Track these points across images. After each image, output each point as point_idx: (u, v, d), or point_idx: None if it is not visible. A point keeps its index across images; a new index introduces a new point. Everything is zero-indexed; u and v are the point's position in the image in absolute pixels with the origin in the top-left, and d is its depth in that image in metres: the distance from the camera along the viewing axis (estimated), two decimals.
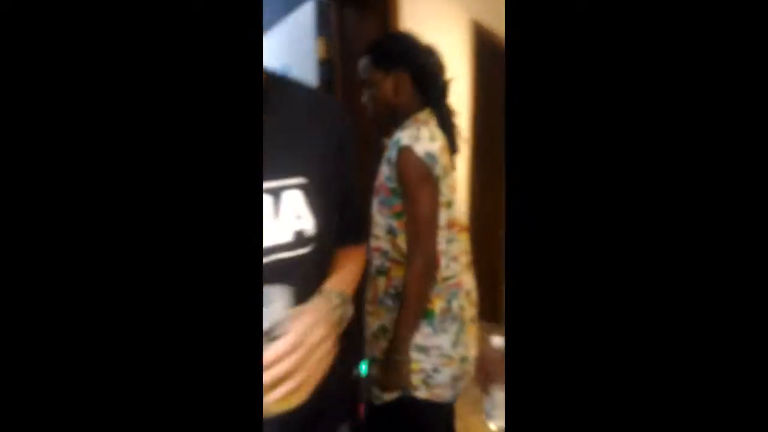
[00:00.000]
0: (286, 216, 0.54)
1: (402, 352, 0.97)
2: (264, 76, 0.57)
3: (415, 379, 1.01)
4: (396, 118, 1.06)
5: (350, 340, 0.67)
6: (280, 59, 1.82)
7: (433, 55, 1.07)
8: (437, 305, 1.01)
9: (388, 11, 1.57)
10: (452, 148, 1.09)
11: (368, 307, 1.06)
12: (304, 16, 1.64)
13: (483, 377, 0.88)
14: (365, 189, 1.27)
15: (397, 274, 1.01)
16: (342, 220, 0.65)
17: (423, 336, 1.00)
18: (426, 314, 1.00)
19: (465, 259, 1.10)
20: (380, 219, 1.01)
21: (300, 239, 0.55)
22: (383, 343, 1.02)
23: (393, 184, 0.98)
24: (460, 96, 1.86)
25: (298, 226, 0.55)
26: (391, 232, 1.00)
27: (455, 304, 1.03)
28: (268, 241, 0.52)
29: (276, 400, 0.45)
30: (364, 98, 1.09)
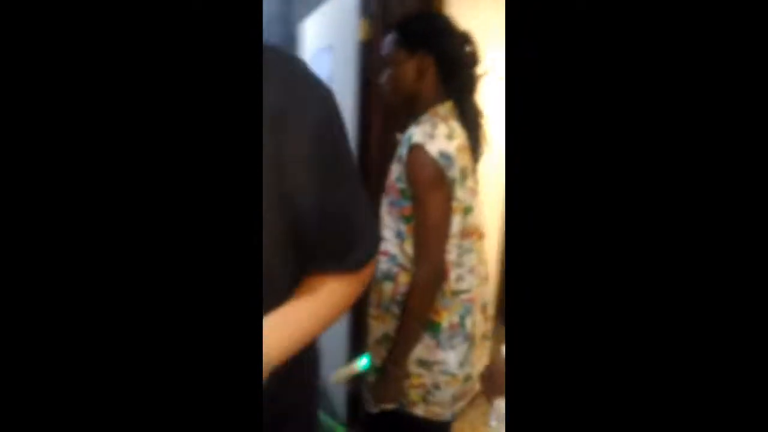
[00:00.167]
0: None
1: (400, 366, 0.91)
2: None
3: (414, 394, 0.95)
4: (414, 108, 0.96)
5: (310, 348, 0.60)
6: (323, 40, 1.77)
7: (466, 43, 0.95)
8: (445, 318, 0.93)
9: None
10: (475, 151, 0.99)
11: (372, 312, 1.00)
12: None
13: (490, 388, 0.82)
14: (372, 191, 1.16)
15: (405, 280, 0.93)
16: (309, 230, 0.52)
17: (426, 349, 0.93)
18: (431, 326, 0.93)
19: (483, 270, 1.01)
20: (389, 221, 0.94)
21: None
22: (384, 353, 0.96)
23: (403, 185, 0.89)
24: (496, 94, 1.69)
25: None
26: (399, 235, 0.93)
27: (468, 321, 0.95)
28: None
29: None
30: (383, 78, 0.99)
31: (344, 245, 0.54)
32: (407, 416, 0.96)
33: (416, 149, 0.86)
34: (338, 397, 1.72)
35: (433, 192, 0.86)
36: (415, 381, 0.94)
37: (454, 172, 0.87)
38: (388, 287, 0.95)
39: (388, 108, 1.02)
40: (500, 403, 0.79)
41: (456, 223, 0.90)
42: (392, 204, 0.93)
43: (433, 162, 0.85)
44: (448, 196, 0.88)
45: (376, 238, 0.59)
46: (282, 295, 0.53)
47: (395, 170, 0.92)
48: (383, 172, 1.00)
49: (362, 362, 1.03)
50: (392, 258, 0.95)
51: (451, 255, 0.91)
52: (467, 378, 0.96)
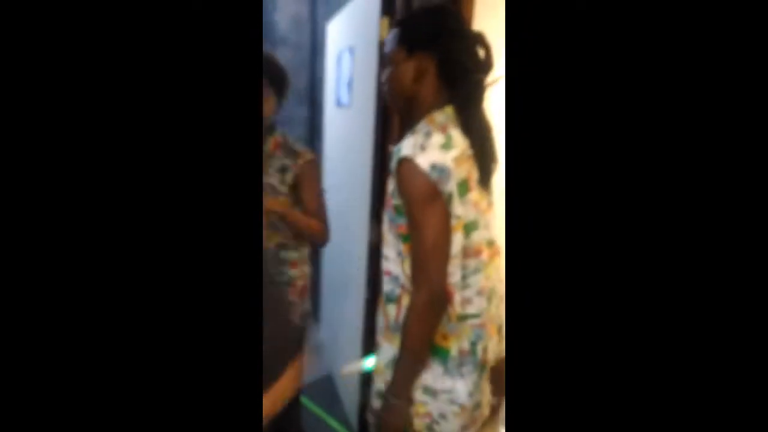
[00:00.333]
0: None
1: (400, 396, 0.86)
2: None
3: (418, 423, 0.89)
4: (413, 112, 0.87)
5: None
6: (345, 41, 1.73)
7: (474, 44, 0.85)
8: (453, 344, 0.87)
9: None
10: (482, 163, 0.87)
11: (383, 333, 0.95)
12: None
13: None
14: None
15: (408, 302, 0.87)
16: None
17: (433, 376, 0.87)
18: (439, 352, 0.87)
19: (500, 289, 0.93)
20: (390, 238, 0.87)
21: None
22: (390, 377, 0.90)
23: (397, 201, 0.82)
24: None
25: None
26: (400, 254, 0.86)
27: (479, 348, 0.88)
28: None
29: None
30: (383, 78, 0.91)
31: None
32: None
33: (404, 163, 0.77)
34: (350, 407, 1.69)
35: (426, 209, 0.77)
36: (420, 410, 0.89)
37: (450, 186, 0.78)
38: (392, 309, 0.90)
39: (390, 111, 0.94)
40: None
41: (457, 241, 0.81)
42: (391, 221, 0.86)
43: (424, 176, 0.76)
44: (445, 213, 0.79)
45: None
46: None
47: (391, 184, 0.85)
48: None
49: (369, 362, 0.99)
50: (394, 279, 0.89)
51: (454, 277, 0.83)
52: (477, 406, 0.90)
